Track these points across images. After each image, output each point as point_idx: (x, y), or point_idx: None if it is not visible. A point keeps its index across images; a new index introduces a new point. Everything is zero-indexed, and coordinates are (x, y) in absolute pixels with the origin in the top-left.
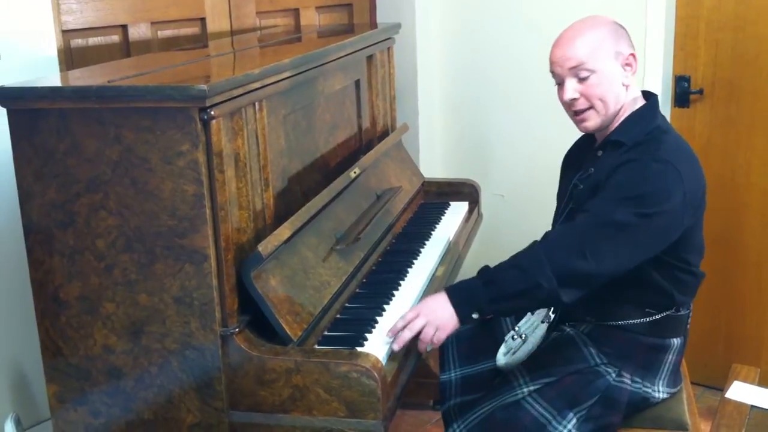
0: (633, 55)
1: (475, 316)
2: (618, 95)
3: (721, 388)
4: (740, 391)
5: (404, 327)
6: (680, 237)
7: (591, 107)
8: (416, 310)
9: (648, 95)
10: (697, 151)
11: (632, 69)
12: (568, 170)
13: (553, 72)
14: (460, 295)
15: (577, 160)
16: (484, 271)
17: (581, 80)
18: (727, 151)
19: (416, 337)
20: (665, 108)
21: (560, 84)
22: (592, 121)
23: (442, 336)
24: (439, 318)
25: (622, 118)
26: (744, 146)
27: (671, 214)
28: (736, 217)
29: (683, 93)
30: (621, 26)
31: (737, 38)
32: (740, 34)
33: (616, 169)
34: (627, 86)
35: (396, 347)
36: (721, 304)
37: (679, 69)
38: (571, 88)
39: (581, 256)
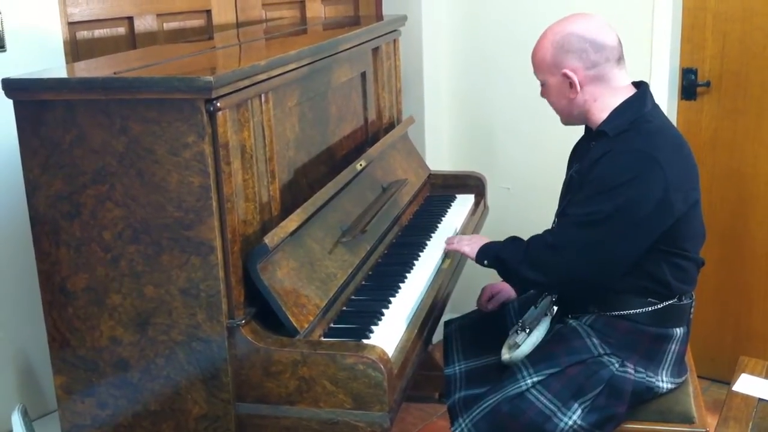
0: (566, 74)
1: (486, 262)
2: (565, 106)
3: (728, 382)
4: (748, 384)
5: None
6: (676, 223)
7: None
8: (458, 237)
9: (638, 84)
10: (704, 144)
11: (573, 86)
12: (571, 163)
13: None
14: (490, 243)
15: (577, 153)
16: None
17: (542, 85)
18: (735, 143)
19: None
20: (672, 100)
21: None
22: (561, 120)
23: (459, 248)
24: (473, 245)
25: (609, 110)
26: (751, 138)
27: (654, 202)
28: (743, 209)
29: (690, 85)
30: (580, 38)
31: (744, 30)
32: (747, 26)
33: (596, 162)
34: (571, 99)
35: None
36: (729, 296)
37: (686, 61)
38: (540, 89)
39: (552, 247)
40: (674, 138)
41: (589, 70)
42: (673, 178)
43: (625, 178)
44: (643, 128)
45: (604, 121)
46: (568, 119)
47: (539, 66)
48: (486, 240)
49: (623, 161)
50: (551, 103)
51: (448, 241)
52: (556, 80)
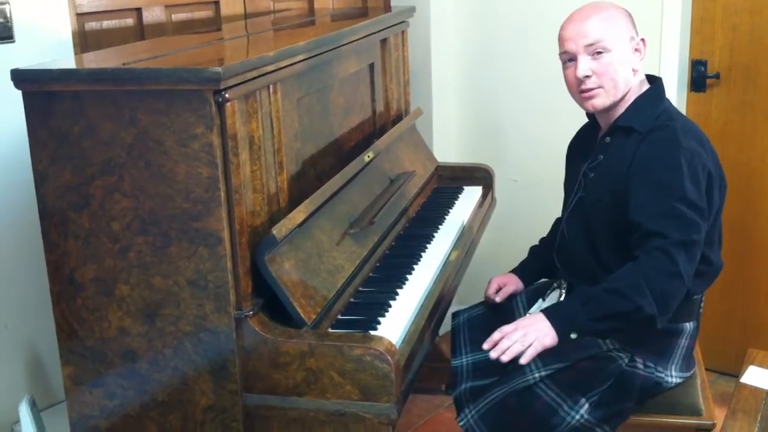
0: (643, 40)
1: (573, 336)
2: (627, 78)
3: (735, 375)
4: (756, 376)
5: (501, 337)
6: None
7: (601, 86)
8: (514, 325)
9: (652, 79)
10: (713, 136)
11: (641, 54)
12: (574, 159)
13: (565, 50)
14: (558, 313)
15: (582, 148)
16: (580, 293)
17: (595, 58)
18: (744, 135)
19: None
20: (681, 92)
21: (570, 61)
22: (600, 99)
23: (539, 347)
24: (537, 330)
25: (629, 102)
26: (761, 131)
27: (710, 197)
28: (752, 203)
29: (699, 77)
30: (629, 12)
31: (754, 22)
32: (757, 18)
33: (644, 165)
34: (636, 71)
35: (494, 355)
36: (736, 289)
37: (695, 53)
38: (585, 65)
39: (678, 276)
40: (701, 132)
41: (644, 43)
42: (715, 171)
43: (691, 181)
44: (675, 126)
45: (625, 116)
46: (616, 97)
47: (608, 32)
48: (539, 317)
49: (684, 163)
50: (609, 76)
51: (497, 349)
52: (626, 49)
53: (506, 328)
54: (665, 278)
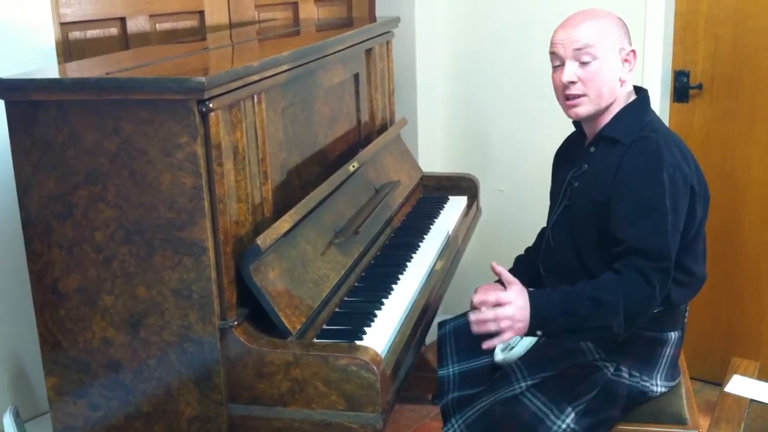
0: (634, 52)
1: (539, 333)
2: (613, 88)
3: (720, 383)
4: (740, 385)
5: (496, 303)
6: (686, 236)
7: (585, 94)
8: (512, 309)
9: (638, 90)
10: (696, 146)
11: (630, 66)
12: (560, 167)
13: (554, 53)
14: (541, 312)
15: (569, 156)
16: (567, 295)
17: (582, 65)
18: (727, 145)
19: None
20: (664, 103)
21: (559, 66)
22: (584, 107)
23: (506, 337)
24: (518, 322)
25: (614, 113)
26: (743, 141)
27: (692, 211)
28: (735, 212)
29: (682, 88)
30: (624, 23)
31: (737, 32)
32: (740, 29)
33: (627, 180)
34: (623, 82)
35: (474, 328)
36: (721, 298)
37: (678, 64)
38: (571, 70)
39: (652, 300)
40: (684, 145)
41: (635, 55)
42: (698, 186)
43: (670, 196)
44: (659, 138)
45: (610, 126)
46: (600, 106)
47: (598, 40)
48: (527, 310)
49: (666, 177)
50: (594, 84)
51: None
52: (614, 59)
53: (502, 312)
54: (640, 302)
